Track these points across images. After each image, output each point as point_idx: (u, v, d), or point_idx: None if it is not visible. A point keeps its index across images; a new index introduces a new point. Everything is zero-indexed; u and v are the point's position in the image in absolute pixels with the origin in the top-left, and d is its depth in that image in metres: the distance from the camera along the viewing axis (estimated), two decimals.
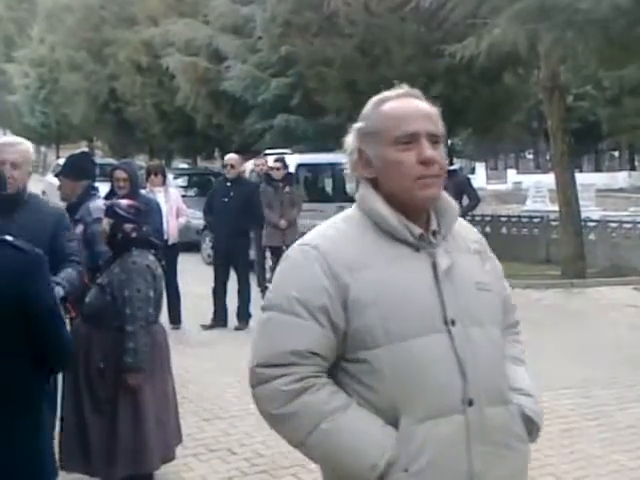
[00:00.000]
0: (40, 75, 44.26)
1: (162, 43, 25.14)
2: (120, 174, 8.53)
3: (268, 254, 13.40)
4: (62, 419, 5.02)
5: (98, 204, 5.79)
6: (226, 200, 11.27)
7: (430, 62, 17.99)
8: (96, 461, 5.01)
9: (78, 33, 34.24)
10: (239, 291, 11.34)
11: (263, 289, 12.96)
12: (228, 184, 11.47)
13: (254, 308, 11.90)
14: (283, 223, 12.44)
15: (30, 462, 3.23)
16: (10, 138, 4.85)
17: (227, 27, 22.94)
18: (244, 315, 11.20)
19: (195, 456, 6.19)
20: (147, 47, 27.37)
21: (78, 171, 6.20)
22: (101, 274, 4.99)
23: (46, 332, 3.22)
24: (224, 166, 12.04)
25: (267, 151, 17.06)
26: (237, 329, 11.06)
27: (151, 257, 5.06)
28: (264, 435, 6.71)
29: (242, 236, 11.33)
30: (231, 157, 11.87)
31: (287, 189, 12.73)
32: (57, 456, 5.13)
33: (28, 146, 4.79)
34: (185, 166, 35.77)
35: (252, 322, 11.28)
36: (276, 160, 13.05)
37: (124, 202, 5.13)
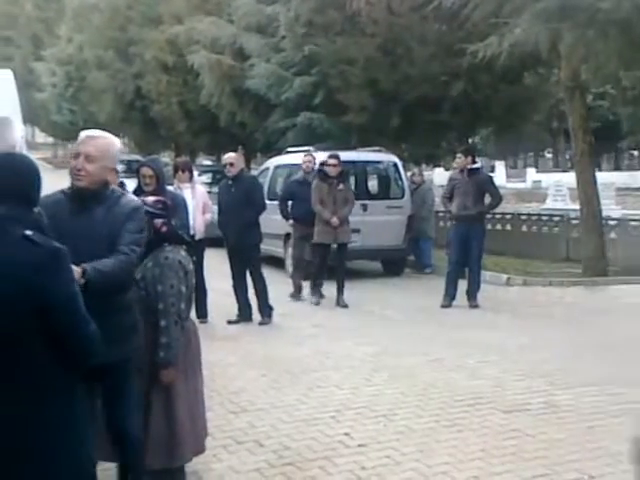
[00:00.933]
0: (67, 73, 44.55)
1: (187, 42, 25.19)
2: (146, 171, 8.53)
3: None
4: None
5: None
6: (230, 198, 11.21)
7: (451, 61, 17.94)
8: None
9: (105, 32, 34.41)
10: (254, 286, 11.28)
11: (314, 286, 12.79)
12: (230, 182, 11.36)
13: (281, 303, 11.96)
14: (335, 221, 12.20)
15: (63, 452, 3.25)
16: (94, 131, 4.55)
17: (251, 26, 22.95)
18: (265, 309, 11.18)
19: (224, 447, 6.20)
20: (172, 46, 27.45)
21: None
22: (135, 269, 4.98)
23: (64, 327, 3.22)
24: (224, 165, 11.85)
25: (289, 149, 17.04)
26: (261, 324, 11.04)
27: (183, 253, 5.05)
28: (290, 428, 6.73)
29: (250, 231, 11.11)
30: (230, 156, 11.71)
31: (341, 186, 12.46)
32: None
33: (110, 141, 4.55)
34: (209, 163, 35.83)
35: (275, 315, 11.32)
36: (331, 157, 12.62)
37: (150, 198, 5.12)
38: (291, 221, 13.30)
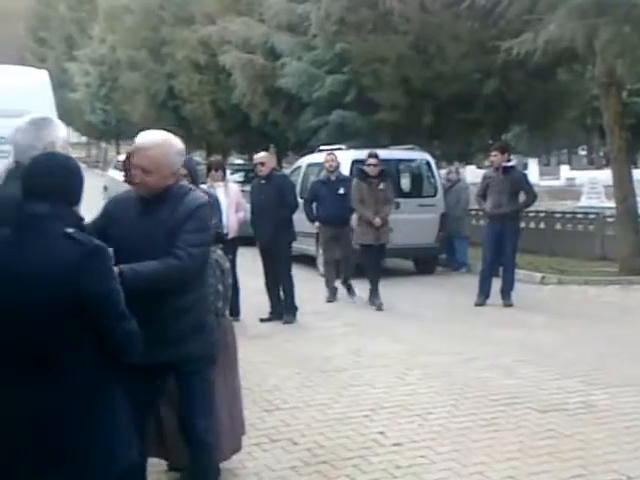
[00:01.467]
0: (101, 74, 44.87)
1: (219, 41, 25.23)
2: (181, 170, 8.54)
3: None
4: None
5: None
6: (262, 197, 11.17)
7: (485, 59, 17.82)
8: (170, 446, 5.02)
9: (137, 33, 34.57)
10: (282, 285, 11.23)
11: (348, 286, 12.74)
12: (262, 182, 11.31)
13: (313, 302, 11.94)
14: (377, 221, 11.96)
15: (101, 451, 3.25)
16: (148, 139, 4.28)
17: (283, 25, 22.96)
18: (290, 309, 11.15)
19: (258, 445, 6.18)
20: (204, 46, 27.50)
21: None
22: None
23: (104, 324, 3.24)
24: (255, 165, 11.79)
25: (321, 147, 17.00)
26: (285, 323, 11.00)
27: (219, 251, 5.03)
28: (324, 427, 6.69)
29: (281, 229, 11.05)
30: (261, 155, 11.64)
31: (381, 186, 12.17)
32: None
33: (164, 149, 4.25)
34: (241, 162, 35.90)
35: (307, 314, 11.29)
36: (371, 156, 12.35)
37: None
38: (317, 223, 13.01)
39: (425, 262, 15.95)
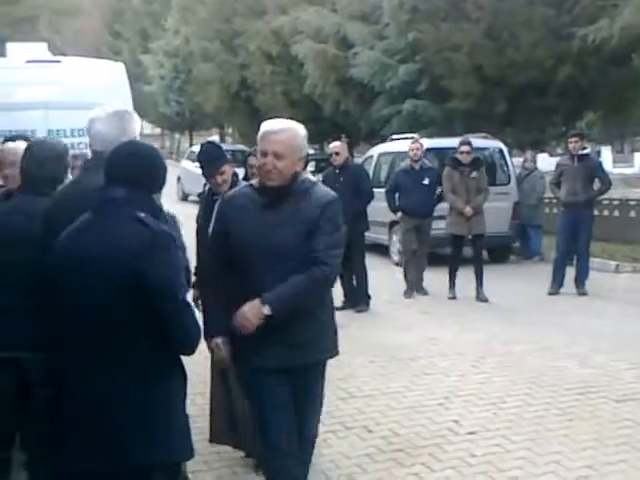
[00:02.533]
0: (174, 65, 45.22)
1: (291, 32, 25.30)
2: (254, 161, 8.61)
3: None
4: (211, 395, 5.12)
5: None
6: (337, 187, 11.10)
7: (558, 45, 17.60)
8: (243, 435, 5.10)
9: (211, 24, 34.77)
10: (355, 274, 11.22)
11: (418, 282, 12.44)
12: (337, 171, 11.28)
13: (387, 290, 11.96)
14: (468, 210, 11.65)
15: (159, 432, 3.31)
16: (275, 124, 4.17)
17: (355, 14, 22.95)
18: (363, 297, 11.16)
19: (333, 433, 6.24)
20: (277, 36, 27.57)
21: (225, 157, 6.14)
22: None
23: (164, 311, 3.26)
24: (330, 155, 11.70)
25: (393, 136, 16.97)
26: (358, 311, 11.02)
27: None
28: (398, 415, 6.73)
29: (356, 220, 10.83)
30: (335, 145, 11.60)
31: (474, 174, 11.84)
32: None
33: (294, 132, 4.16)
34: (312, 151, 35.96)
35: (381, 302, 11.31)
36: (463, 143, 12.06)
37: None
38: (399, 213, 12.61)
39: (498, 251, 15.83)
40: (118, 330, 3.24)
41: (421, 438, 6.16)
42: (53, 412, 3.47)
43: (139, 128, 4.21)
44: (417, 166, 12.37)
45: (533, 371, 7.90)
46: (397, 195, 12.56)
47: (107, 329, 3.24)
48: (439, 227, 12.65)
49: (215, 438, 5.49)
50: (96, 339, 3.26)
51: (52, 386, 3.53)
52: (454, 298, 11.83)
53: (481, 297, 11.72)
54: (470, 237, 11.99)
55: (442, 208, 12.45)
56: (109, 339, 3.25)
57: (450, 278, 12.00)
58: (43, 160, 4.41)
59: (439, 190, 12.34)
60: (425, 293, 12.35)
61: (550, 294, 11.99)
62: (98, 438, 3.27)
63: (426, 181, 12.27)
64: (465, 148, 11.92)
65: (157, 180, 3.50)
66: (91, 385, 3.27)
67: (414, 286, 12.36)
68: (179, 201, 27.23)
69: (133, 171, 3.38)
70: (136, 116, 4.26)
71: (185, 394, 3.49)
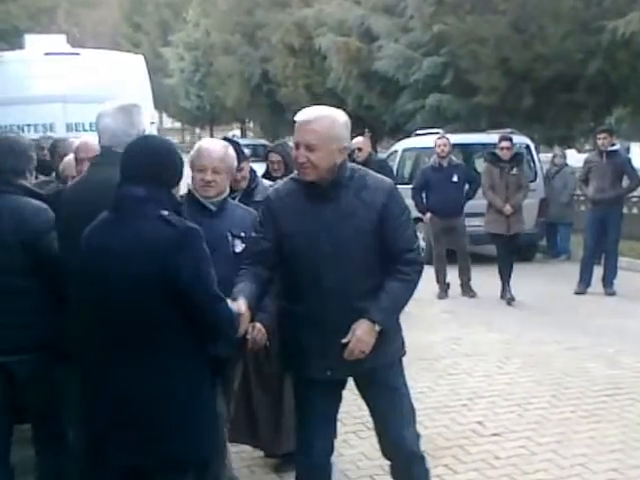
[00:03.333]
0: (195, 58, 45.34)
1: (314, 24, 25.32)
2: (274, 157, 8.59)
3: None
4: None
5: (265, 183, 5.84)
6: None
7: (587, 39, 17.46)
8: (262, 435, 5.11)
9: (232, 17, 34.84)
10: None
11: (467, 283, 12.15)
12: None
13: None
14: (508, 209, 11.42)
15: (190, 428, 3.40)
16: (309, 112, 3.96)
17: (378, 7, 22.93)
18: None
19: (354, 433, 6.26)
20: (299, 29, 27.59)
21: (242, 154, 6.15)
22: None
23: (195, 306, 3.33)
24: (352, 150, 11.57)
25: (418, 131, 16.94)
26: None
27: None
28: (421, 415, 6.64)
29: None
30: (358, 140, 11.42)
31: (514, 171, 11.62)
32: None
33: (330, 120, 3.91)
34: None
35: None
36: (503, 139, 11.81)
37: None
38: (428, 214, 12.27)
39: (524, 249, 15.75)
40: (149, 328, 3.30)
41: (444, 439, 6.15)
42: (87, 412, 3.54)
43: (148, 122, 4.23)
44: (445, 162, 12.08)
45: (559, 372, 7.87)
46: (424, 194, 12.29)
47: (138, 328, 3.30)
48: (474, 224, 12.54)
49: (235, 437, 5.50)
50: (127, 337, 3.32)
51: (79, 385, 3.60)
52: (512, 300, 11.42)
53: (507, 297, 11.53)
54: (508, 236, 11.66)
55: (476, 205, 12.39)
56: (140, 338, 3.31)
57: (502, 279, 11.70)
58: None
59: (466, 188, 12.24)
60: (473, 295, 11.97)
61: (577, 293, 11.94)
62: (138, 435, 3.35)
63: (455, 178, 12.01)
64: (505, 144, 11.69)
65: (175, 175, 3.53)
66: (125, 384, 3.33)
67: (447, 288, 12.08)
68: None
69: (150, 168, 3.41)
70: (144, 109, 4.26)
71: (215, 392, 3.53)
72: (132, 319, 3.29)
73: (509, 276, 11.67)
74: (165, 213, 3.33)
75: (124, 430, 3.35)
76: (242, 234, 4.30)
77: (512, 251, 11.93)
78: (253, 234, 4.07)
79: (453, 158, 12.34)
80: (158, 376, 3.32)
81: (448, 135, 13.35)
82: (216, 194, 4.33)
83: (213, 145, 4.45)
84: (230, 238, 4.29)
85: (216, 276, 3.40)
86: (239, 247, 4.28)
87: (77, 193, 4.06)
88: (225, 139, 5.03)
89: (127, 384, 3.32)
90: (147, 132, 4.10)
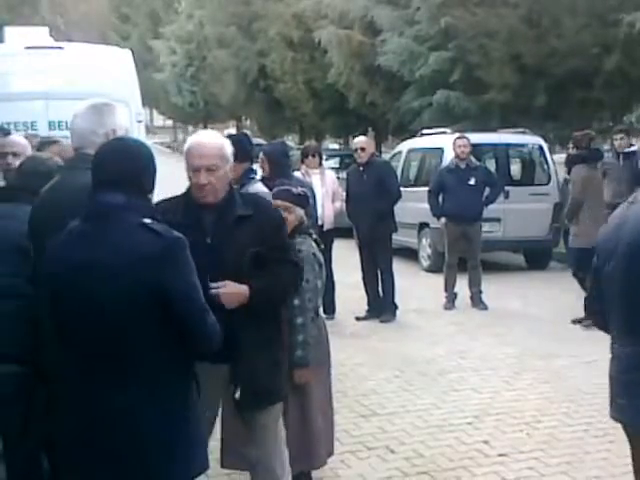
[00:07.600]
0: (188, 52, 45.35)
1: (314, 16, 25.37)
2: (260, 155, 8.65)
3: None
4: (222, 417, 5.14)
5: (258, 188, 5.86)
6: (361, 185, 11.10)
7: (605, 32, 17.48)
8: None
9: (227, 7, 34.88)
10: (381, 280, 11.21)
11: (478, 294, 11.98)
12: (361, 168, 11.26)
13: (415, 299, 11.94)
14: None
15: (179, 446, 3.40)
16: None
17: None
18: (389, 306, 11.14)
19: (352, 453, 6.27)
20: (299, 21, 27.65)
21: (242, 153, 6.12)
22: None
23: (182, 317, 3.33)
24: (355, 150, 11.51)
25: (424, 131, 16.96)
26: (383, 321, 11.00)
27: (314, 244, 5.09)
28: (424, 434, 6.74)
29: (381, 221, 10.99)
30: (360, 140, 11.55)
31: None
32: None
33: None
34: (336, 147, 35.99)
35: (409, 312, 11.30)
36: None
37: (295, 189, 5.16)
38: (443, 219, 12.16)
39: (537, 256, 15.77)
40: (130, 341, 3.30)
41: (448, 460, 6.17)
42: (59, 429, 3.53)
43: (124, 121, 4.19)
44: (463, 164, 12.00)
45: (572, 388, 7.89)
46: (441, 197, 12.23)
47: (118, 340, 3.30)
48: (491, 230, 12.49)
49: (227, 462, 5.50)
50: (105, 351, 3.32)
51: (51, 401, 3.60)
52: None
53: None
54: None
55: (495, 210, 12.41)
56: (120, 351, 3.32)
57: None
58: None
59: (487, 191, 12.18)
60: (484, 307, 11.81)
61: None
62: (116, 456, 3.34)
63: (472, 181, 11.92)
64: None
65: (153, 180, 3.53)
66: (102, 401, 3.33)
67: (455, 298, 12.02)
68: None
69: (128, 172, 3.40)
70: (119, 109, 4.23)
71: (198, 406, 3.55)
72: (116, 335, 3.28)
73: None
74: (148, 221, 3.31)
75: (104, 452, 3.35)
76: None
77: None
78: None
79: (472, 159, 12.23)
80: (143, 392, 3.31)
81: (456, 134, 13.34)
82: (215, 199, 4.20)
83: (205, 139, 4.29)
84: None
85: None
86: None
87: (51, 199, 4.01)
88: (230, 136, 5.03)
89: (110, 402, 3.31)
90: (121, 132, 4.06)
